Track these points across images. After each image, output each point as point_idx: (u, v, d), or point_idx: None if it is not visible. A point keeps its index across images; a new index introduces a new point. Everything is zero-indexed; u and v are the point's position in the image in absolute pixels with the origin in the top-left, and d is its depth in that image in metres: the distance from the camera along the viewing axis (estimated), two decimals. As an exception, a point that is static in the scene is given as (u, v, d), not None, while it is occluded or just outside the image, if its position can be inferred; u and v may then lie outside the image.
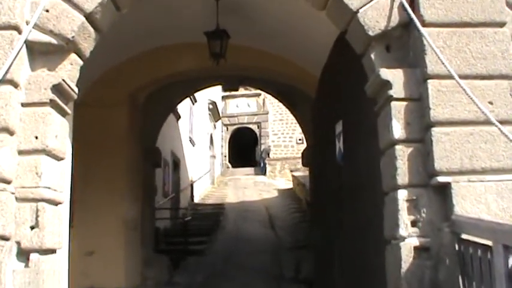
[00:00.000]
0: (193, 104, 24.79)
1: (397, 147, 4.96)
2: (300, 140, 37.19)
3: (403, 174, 4.91)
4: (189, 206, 22.45)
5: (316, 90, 9.14)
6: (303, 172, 29.15)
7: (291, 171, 32.07)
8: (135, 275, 10.24)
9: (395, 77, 5.09)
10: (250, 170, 37.38)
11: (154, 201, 12.39)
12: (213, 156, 33.34)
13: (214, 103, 31.46)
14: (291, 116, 38.26)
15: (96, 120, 10.05)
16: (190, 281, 11.81)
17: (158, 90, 10.94)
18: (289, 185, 29.36)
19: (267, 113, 38.90)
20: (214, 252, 14.88)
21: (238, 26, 8.84)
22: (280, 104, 39.53)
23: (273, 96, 12.18)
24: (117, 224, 9.87)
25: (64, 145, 5.28)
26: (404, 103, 5.06)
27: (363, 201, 6.25)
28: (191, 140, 24.31)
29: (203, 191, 27.58)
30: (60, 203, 5.20)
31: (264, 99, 38.72)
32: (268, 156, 36.30)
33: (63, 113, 5.30)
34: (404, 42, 5.34)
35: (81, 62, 5.47)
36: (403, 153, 4.95)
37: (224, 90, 11.38)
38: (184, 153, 22.22)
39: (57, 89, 5.06)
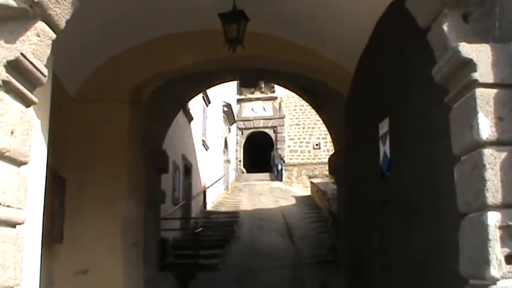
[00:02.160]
0: (206, 105, 23.45)
1: (486, 151, 3.53)
2: (317, 145, 36.12)
3: (494, 190, 3.48)
4: (201, 213, 21.09)
5: (351, 83, 7.72)
6: (321, 179, 27.87)
7: (309, 177, 30.73)
8: (135, 297, 8.89)
9: (480, 55, 3.67)
10: (265, 175, 36.20)
11: (159, 211, 10.98)
12: (228, 161, 32.00)
13: (229, 105, 30.10)
14: (308, 121, 37.86)
15: (93, 119, 8.74)
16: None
17: (165, 85, 9.57)
18: (307, 192, 27.96)
19: (283, 117, 37.86)
20: (228, 267, 13.47)
21: (256, 9, 7.48)
22: (297, 108, 39.17)
23: (296, 93, 10.75)
24: (115, 238, 8.47)
25: (25, 145, 3.89)
26: (494, 91, 3.64)
27: (420, 224, 4.82)
28: (204, 144, 22.96)
29: (217, 197, 26.19)
30: (17, 224, 3.82)
31: (280, 103, 37.67)
32: (283, 162, 34.92)
33: (24, 102, 3.91)
34: (487, 9, 3.92)
35: (52, 35, 4.07)
36: (494, 160, 3.51)
37: (240, 86, 9.88)
38: (196, 157, 20.86)
39: (14, 66, 3.68)
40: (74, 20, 4.28)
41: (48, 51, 4.09)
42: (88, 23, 7.39)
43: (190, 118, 19.33)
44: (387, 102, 5.84)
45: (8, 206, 3.63)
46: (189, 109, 19.11)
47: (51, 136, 8.04)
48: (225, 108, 29.60)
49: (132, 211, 8.83)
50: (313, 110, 36.36)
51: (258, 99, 38.50)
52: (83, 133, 8.68)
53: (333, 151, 10.64)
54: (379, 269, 6.12)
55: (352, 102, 7.69)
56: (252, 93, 38.41)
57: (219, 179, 27.26)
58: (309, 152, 36.70)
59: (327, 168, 29.11)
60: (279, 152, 36.17)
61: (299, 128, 37.66)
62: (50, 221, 7.48)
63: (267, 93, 38.49)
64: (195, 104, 20.54)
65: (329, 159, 10.52)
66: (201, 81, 10.24)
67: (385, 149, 5.80)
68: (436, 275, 4.44)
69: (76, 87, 8.78)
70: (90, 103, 8.76)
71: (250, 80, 9.97)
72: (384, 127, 5.86)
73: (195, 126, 20.64)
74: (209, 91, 23.03)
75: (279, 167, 34.77)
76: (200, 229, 14.41)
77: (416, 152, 4.92)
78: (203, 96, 22.31)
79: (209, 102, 23.79)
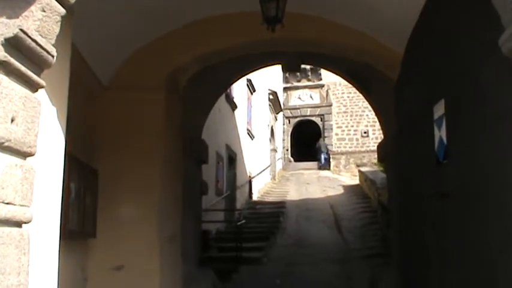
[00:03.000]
0: (251, 93, 22.95)
1: None
2: (365, 133, 35.52)
3: None
4: (246, 204, 20.65)
5: (401, 65, 7.08)
6: (370, 167, 27.09)
7: (358, 166, 29.96)
8: (173, 294, 8.47)
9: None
10: (313, 164, 35.52)
11: (200, 202, 10.52)
12: (274, 150, 31.48)
13: (274, 93, 29.52)
14: (356, 108, 37.05)
15: (127, 108, 8.32)
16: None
17: (204, 71, 9.09)
18: (355, 180, 27.21)
19: (331, 105, 37.35)
20: (272, 260, 12.95)
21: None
22: (345, 96, 38.36)
23: (342, 77, 10.10)
24: (151, 232, 8.05)
25: (30, 134, 3.45)
26: None
27: (482, 218, 4.19)
28: (249, 133, 22.48)
29: (263, 187, 25.71)
30: (22, 223, 3.38)
31: (327, 91, 37.14)
32: (328, 151, 34.25)
33: (29, 85, 3.46)
34: None
35: (61, 10, 3.60)
36: None
37: (284, 71, 9.22)
38: (241, 147, 20.40)
39: (14, 45, 3.22)
40: (104, 5, 3.82)
41: (57, 29, 3.62)
42: (121, 8, 6.99)
43: (234, 107, 18.86)
44: (442, 82, 5.20)
45: (8, 203, 3.18)
46: (233, 97, 18.65)
47: (82, 127, 7.75)
48: (271, 96, 29.03)
49: (169, 203, 8.40)
50: (360, 97, 35.98)
51: (304, 87, 38.07)
52: (116, 123, 8.28)
53: (382, 138, 9.99)
54: (435, 266, 5.51)
55: (402, 84, 7.04)
56: (299, 81, 37.88)
57: (265, 168, 26.78)
58: (357, 140, 36.29)
59: (376, 156, 28.43)
60: (325, 141, 35.56)
61: (347, 116, 37.21)
62: (81, 215, 7.14)
63: (313, 81, 37.95)
64: (239, 92, 20.07)
65: (378, 146, 9.87)
66: (242, 66, 9.70)
67: (440, 134, 5.16)
68: (502, 274, 3.82)
69: (109, 75, 8.38)
70: (124, 91, 8.35)
71: (294, 64, 9.34)
72: (439, 110, 5.23)
73: (240, 115, 20.17)
74: (254, 79, 22.57)
75: (325, 156, 34.18)
76: (243, 221, 13.90)
77: (478, 137, 4.28)
78: (247, 84, 21.82)
79: (254, 90, 23.28)
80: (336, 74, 10.25)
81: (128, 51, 8.38)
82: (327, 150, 34.59)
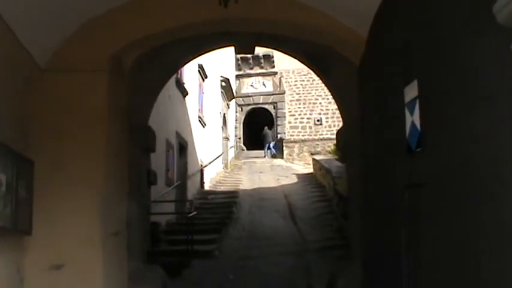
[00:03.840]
0: (203, 80, 22.26)
1: None
2: (318, 121, 35.49)
3: None
4: (198, 194, 20.00)
5: (366, 44, 6.55)
6: (324, 155, 26.84)
7: (311, 154, 29.75)
8: (117, 294, 7.80)
9: None
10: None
11: (147, 193, 9.85)
12: (226, 138, 30.91)
13: (227, 80, 28.88)
14: (309, 96, 36.79)
15: (66, 92, 7.57)
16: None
17: (150, 52, 8.39)
18: (309, 169, 26.92)
19: (284, 93, 37.15)
20: (225, 253, 12.37)
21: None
22: (298, 83, 38.03)
23: (299, 60, 9.53)
24: (93, 226, 7.34)
25: None
26: None
27: (467, 214, 3.69)
28: (201, 120, 21.80)
29: (215, 176, 25.09)
30: None
31: (280, 78, 36.97)
32: (279, 140, 34.24)
33: None
34: None
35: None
36: None
37: (237, 52, 8.64)
38: (193, 135, 19.71)
39: None
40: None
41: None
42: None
43: (185, 93, 18.15)
44: (415, 60, 4.69)
45: None
46: (184, 83, 17.94)
47: (15, 114, 6.98)
48: (223, 84, 28.38)
49: (113, 195, 7.71)
50: (314, 85, 36.12)
51: (257, 74, 37.86)
52: (55, 108, 7.52)
53: (336, 126, 9.49)
54: (405, 264, 5.01)
55: (366, 66, 6.53)
56: (252, 68, 37.53)
57: (217, 157, 26.17)
58: (310, 128, 36.22)
59: (329, 144, 28.27)
60: (278, 129, 35.42)
61: (300, 104, 37.13)
62: (14, 210, 6.41)
63: (266, 69, 37.70)
64: (190, 78, 19.37)
65: (336, 133, 9.36)
66: (192, 47, 9.01)
67: (413, 119, 4.66)
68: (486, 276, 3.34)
69: (47, 57, 7.60)
70: (63, 74, 7.57)
71: (247, 45, 8.73)
72: (411, 92, 4.71)
73: (191, 101, 19.47)
74: (206, 65, 21.90)
75: (271, 146, 34.13)
76: (194, 213, 13.25)
77: (460, 122, 3.78)
78: (199, 70, 21.12)
79: (206, 77, 22.58)
80: (293, 56, 9.69)
81: (67, 30, 7.62)
82: (273, 139, 34.47)
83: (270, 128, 36.31)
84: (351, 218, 8.86)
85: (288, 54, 9.92)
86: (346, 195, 11.09)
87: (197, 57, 9.94)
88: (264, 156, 34.27)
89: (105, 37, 7.79)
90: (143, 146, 8.59)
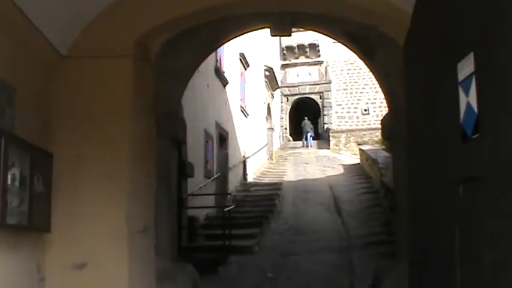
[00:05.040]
0: (245, 68, 21.67)
1: None
2: (365, 110, 34.81)
3: None
4: (241, 186, 19.47)
5: (412, 19, 5.81)
6: (371, 146, 26.00)
7: (358, 144, 28.93)
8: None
9: None
10: (313, 143, 34.49)
11: (181, 187, 9.31)
12: (271, 129, 30.31)
13: (271, 69, 28.23)
14: (356, 85, 35.83)
15: (89, 81, 7.10)
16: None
17: (179, 36, 7.81)
18: (355, 159, 26.13)
19: (330, 82, 36.58)
20: (265, 248, 11.77)
21: None
22: (344, 72, 37.10)
23: (339, 41, 8.78)
24: (118, 225, 6.85)
25: None
26: None
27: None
28: (243, 110, 21.22)
29: (259, 168, 24.53)
30: None
31: (326, 68, 36.30)
32: (325, 131, 33.85)
33: None
34: None
35: None
36: None
37: (273, 35, 8.02)
38: (234, 125, 19.16)
39: None
40: None
41: None
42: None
43: (225, 82, 17.59)
44: (468, 29, 3.95)
45: None
46: (224, 72, 17.39)
47: (33, 103, 6.53)
48: (267, 73, 27.75)
49: (140, 189, 7.21)
50: (360, 74, 35.17)
51: (303, 64, 37.38)
52: (77, 98, 7.06)
53: (383, 116, 8.74)
54: (459, 269, 4.30)
55: (413, 43, 5.79)
56: (297, 58, 37.02)
57: (261, 148, 25.59)
58: (357, 118, 35.67)
59: (377, 134, 27.46)
60: (325, 119, 34.84)
61: (346, 93, 36.55)
62: (30, 206, 5.96)
63: (312, 58, 37.08)
64: (231, 67, 18.81)
65: (381, 121, 8.61)
66: (224, 30, 8.36)
67: (468, 100, 3.92)
68: None
69: (68, 43, 7.12)
70: (86, 60, 7.08)
71: (284, 26, 8.05)
72: (465, 68, 3.97)
73: (232, 91, 18.89)
74: (248, 54, 21.30)
75: (309, 136, 33.64)
76: (232, 206, 12.66)
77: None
78: (240, 59, 20.53)
79: (248, 66, 21.97)
80: (332, 37, 8.99)
81: (89, 15, 7.13)
82: (312, 129, 33.93)
83: (312, 119, 35.67)
84: (398, 212, 8.13)
85: (328, 36, 9.21)
86: (393, 187, 10.35)
87: (229, 40, 9.28)
88: (303, 146, 33.73)
89: (130, 21, 7.26)
90: (173, 136, 8.02)
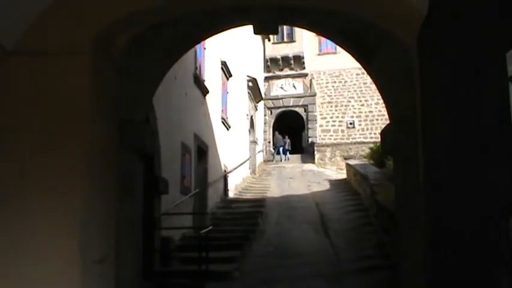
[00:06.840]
0: (227, 78, 20.56)
1: None
2: (351, 124, 34.06)
3: None
4: (221, 202, 18.28)
5: (429, 7, 4.77)
6: (358, 160, 24.99)
7: (345, 158, 27.99)
8: None
9: None
10: (296, 157, 33.67)
11: (154, 206, 8.15)
12: (254, 142, 29.17)
13: (254, 80, 27.15)
14: (341, 98, 34.95)
15: (38, 81, 6.02)
16: None
17: (148, 31, 6.73)
18: (342, 174, 25.09)
19: (315, 95, 35.69)
20: (246, 273, 10.57)
21: None
22: (329, 85, 36.21)
23: (333, 40, 7.72)
24: (70, 253, 5.68)
25: None
26: None
27: None
28: (224, 122, 20.07)
29: (241, 182, 23.33)
30: None
31: (311, 80, 35.59)
32: (310, 145, 32.57)
33: None
34: None
35: None
36: None
37: (257, 33, 6.92)
38: (214, 138, 18.01)
39: None
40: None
41: None
42: None
43: (205, 91, 16.45)
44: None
45: None
46: (204, 80, 16.26)
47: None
48: (250, 84, 26.64)
49: (98, 210, 6.05)
50: (346, 87, 34.40)
51: (287, 76, 36.53)
52: (23, 100, 5.95)
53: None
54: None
55: (433, 32, 4.74)
56: (281, 70, 36.24)
57: (243, 162, 24.43)
58: (342, 131, 34.87)
59: (363, 148, 26.55)
60: (309, 132, 34.01)
61: (331, 106, 35.73)
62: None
63: (296, 70, 36.29)
64: (212, 75, 17.69)
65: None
66: (200, 26, 7.25)
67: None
68: None
69: (15, 36, 6.02)
70: (35, 57, 6.02)
71: (270, 22, 6.91)
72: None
73: (212, 101, 17.74)
74: (230, 63, 20.23)
75: (281, 150, 32.63)
76: (209, 228, 11.47)
77: None
78: (222, 68, 19.40)
79: (230, 75, 20.84)
80: (325, 36, 7.90)
81: (40, 5, 6.02)
82: (285, 143, 33.41)
83: (295, 133, 34.78)
84: (402, 239, 7.01)
85: (321, 35, 8.17)
86: (390, 207, 9.26)
87: (208, 37, 8.20)
88: (281, 160, 32.86)
89: (88, 11, 6.17)
90: (137, 147, 6.86)
